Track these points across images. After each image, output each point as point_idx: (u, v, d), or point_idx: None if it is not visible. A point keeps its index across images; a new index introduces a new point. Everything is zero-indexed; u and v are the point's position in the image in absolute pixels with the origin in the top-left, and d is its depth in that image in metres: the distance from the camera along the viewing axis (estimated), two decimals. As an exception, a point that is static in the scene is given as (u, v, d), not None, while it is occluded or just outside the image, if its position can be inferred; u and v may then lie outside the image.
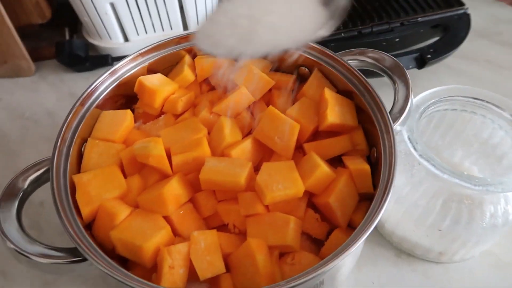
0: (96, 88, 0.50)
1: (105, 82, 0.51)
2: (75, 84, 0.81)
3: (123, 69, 0.53)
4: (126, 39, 0.82)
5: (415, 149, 0.47)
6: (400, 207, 0.51)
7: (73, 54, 0.79)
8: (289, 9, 0.32)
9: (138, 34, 0.82)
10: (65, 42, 0.80)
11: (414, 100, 0.51)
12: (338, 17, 0.33)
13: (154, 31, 0.82)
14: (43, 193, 0.44)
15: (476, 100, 0.52)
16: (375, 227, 0.55)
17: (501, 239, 0.56)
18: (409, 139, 0.47)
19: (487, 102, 0.51)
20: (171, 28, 0.82)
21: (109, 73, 0.50)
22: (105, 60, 0.81)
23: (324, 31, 0.32)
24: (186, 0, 0.78)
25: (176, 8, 0.79)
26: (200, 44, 0.33)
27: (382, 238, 0.58)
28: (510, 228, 0.49)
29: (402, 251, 0.56)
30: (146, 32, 0.82)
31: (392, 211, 0.52)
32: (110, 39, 0.81)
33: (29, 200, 0.45)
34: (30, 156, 0.69)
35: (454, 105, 0.54)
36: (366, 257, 0.56)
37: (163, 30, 0.82)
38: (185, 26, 0.84)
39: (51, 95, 0.79)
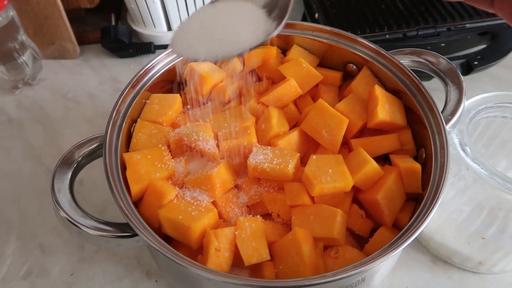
0: (147, 71, 0.51)
1: (156, 65, 0.51)
2: (117, 69, 0.83)
3: (170, 56, 0.53)
4: (169, 28, 0.83)
5: (465, 152, 0.46)
6: (443, 211, 0.50)
7: (117, 40, 0.81)
8: (240, 19, 0.36)
9: (181, 24, 0.83)
10: (110, 28, 0.81)
11: (465, 103, 0.50)
12: (284, 15, 0.36)
13: (197, 22, 0.83)
14: (84, 172, 0.45)
15: None
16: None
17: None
18: (459, 142, 0.46)
19: None
20: (214, 20, 0.83)
21: (165, 54, 0.51)
22: (147, 47, 0.82)
23: (275, 32, 0.35)
24: (232, -8, 0.78)
25: None
26: (174, 49, 0.36)
27: (418, 242, 0.57)
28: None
29: (439, 257, 0.55)
30: (189, 23, 0.83)
31: (434, 216, 0.51)
32: (154, 27, 0.83)
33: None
34: (71, 136, 0.71)
35: (504, 113, 0.52)
36: (401, 260, 0.56)
37: (206, 21, 0.83)
38: (228, 19, 0.84)
39: (93, 78, 0.81)
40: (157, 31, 0.83)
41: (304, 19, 0.87)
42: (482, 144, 0.60)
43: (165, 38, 0.83)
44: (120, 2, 0.82)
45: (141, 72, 0.51)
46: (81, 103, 0.77)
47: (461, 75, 0.48)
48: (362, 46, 0.53)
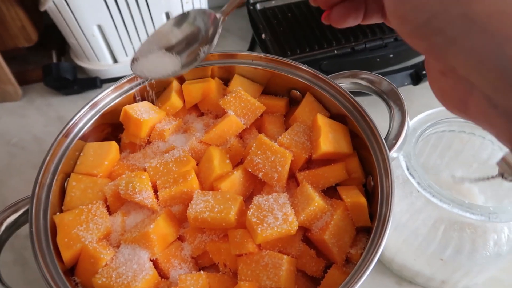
0: (80, 119, 0.48)
1: (89, 112, 0.49)
2: (63, 108, 0.79)
3: (108, 98, 0.51)
4: (115, 60, 0.81)
5: (412, 176, 0.45)
6: (400, 235, 0.49)
7: (60, 77, 0.77)
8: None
9: (127, 55, 0.80)
10: (52, 65, 0.77)
11: (410, 123, 0.50)
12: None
13: (144, 51, 0.80)
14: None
15: None
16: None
17: (507, 264, 0.54)
18: (406, 166, 0.45)
19: None
20: (161, 48, 0.81)
21: (90, 106, 0.48)
22: (93, 82, 0.79)
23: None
24: (175, 19, 0.76)
25: (165, 28, 0.77)
26: (132, 67, 0.45)
27: (381, 265, 0.55)
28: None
29: (403, 278, 0.54)
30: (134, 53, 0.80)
31: (392, 239, 0.50)
32: (99, 61, 0.79)
33: (15, 233, 0.43)
34: (17, 185, 0.67)
35: (451, 127, 0.52)
36: (365, 284, 0.54)
37: (152, 50, 0.80)
38: (175, 46, 0.82)
39: (38, 120, 0.77)
40: (102, 64, 0.80)
41: (253, 40, 0.86)
42: (437, 155, 0.59)
43: (111, 71, 0.80)
44: (62, 37, 0.79)
45: (73, 121, 0.48)
46: (26, 148, 0.73)
47: (402, 96, 0.47)
48: (302, 72, 0.51)
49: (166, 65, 0.43)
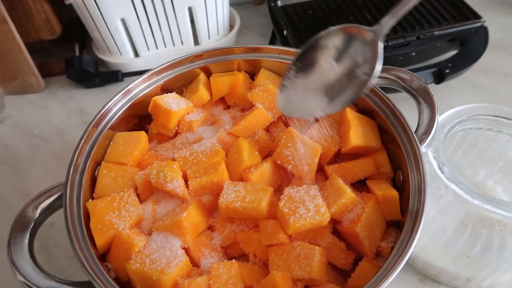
0: (109, 109, 0.49)
1: (118, 102, 0.49)
2: (85, 100, 0.80)
3: (136, 89, 0.51)
4: (136, 54, 0.81)
5: (442, 171, 0.44)
6: (426, 231, 0.48)
7: (82, 70, 0.78)
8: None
9: (148, 49, 0.80)
10: (74, 58, 0.78)
11: (439, 119, 0.49)
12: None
13: (165, 46, 0.81)
14: (53, 214, 0.42)
15: (503, 119, 0.50)
16: None
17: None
18: (435, 161, 0.45)
19: None
20: (182, 43, 0.81)
21: (123, 94, 0.49)
22: (115, 76, 0.80)
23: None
24: (197, 14, 0.77)
25: (187, 22, 0.78)
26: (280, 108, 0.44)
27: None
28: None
29: (427, 276, 0.54)
30: (156, 47, 0.80)
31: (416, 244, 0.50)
32: (121, 55, 0.80)
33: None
34: (39, 176, 0.68)
35: (479, 124, 0.52)
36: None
37: (174, 45, 0.81)
38: (196, 41, 0.82)
39: (60, 112, 0.78)
40: (124, 58, 0.81)
41: (273, 36, 0.86)
42: (461, 153, 0.59)
43: (132, 65, 0.81)
44: (84, 31, 0.80)
45: (104, 109, 0.49)
46: (48, 139, 0.73)
47: (432, 93, 0.47)
48: (330, 67, 0.51)
49: (317, 105, 0.41)
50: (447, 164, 0.45)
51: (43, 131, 0.74)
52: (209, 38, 0.82)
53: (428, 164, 0.47)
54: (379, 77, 0.50)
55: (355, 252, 0.42)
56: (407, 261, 0.35)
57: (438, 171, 0.45)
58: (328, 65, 0.44)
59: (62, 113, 0.78)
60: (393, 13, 0.41)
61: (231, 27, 0.88)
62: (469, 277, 0.50)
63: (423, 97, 0.48)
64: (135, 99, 0.51)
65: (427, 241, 0.49)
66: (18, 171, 0.68)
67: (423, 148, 0.45)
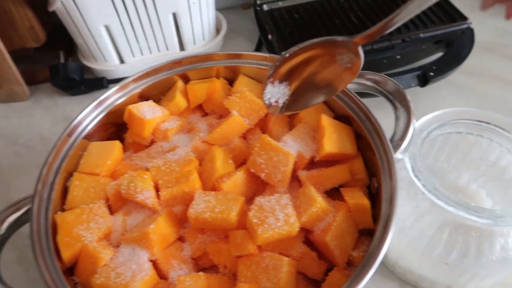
0: (83, 119, 0.48)
1: (93, 112, 0.49)
2: (70, 108, 0.79)
3: (113, 97, 0.51)
4: (121, 61, 0.81)
5: (418, 178, 0.44)
6: (404, 237, 0.48)
7: (67, 77, 0.78)
8: None
9: (133, 56, 0.80)
10: (59, 65, 0.78)
11: (416, 124, 0.49)
12: None
13: (150, 52, 0.80)
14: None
15: (482, 123, 0.50)
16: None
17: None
18: (412, 168, 0.45)
19: (494, 125, 0.49)
20: (167, 49, 0.81)
21: (95, 105, 0.48)
22: (100, 82, 0.80)
23: None
24: (182, 20, 0.76)
25: (172, 28, 0.77)
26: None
27: (384, 268, 0.54)
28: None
29: (407, 282, 0.53)
30: (141, 54, 0.80)
31: (396, 242, 0.49)
32: (106, 61, 0.80)
33: (18, 232, 0.43)
34: (24, 185, 0.68)
35: (459, 128, 0.51)
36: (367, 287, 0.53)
37: (159, 51, 0.81)
38: (182, 47, 0.82)
39: (45, 120, 0.77)
40: (109, 65, 0.80)
41: (260, 41, 0.86)
42: (443, 158, 0.58)
43: (118, 72, 0.81)
44: (70, 38, 0.79)
45: (77, 120, 0.48)
46: (33, 148, 0.73)
47: (408, 98, 0.47)
48: (307, 73, 0.51)
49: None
50: (423, 170, 0.44)
51: (28, 140, 0.74)
52: (194, 44, 0.82)
53: (406, 170, 0.46)
54: (354, 82, 0.49)
55: (327, 261, 0.41)
56: (383, 267, 0.35)
57: (414, 178, 0.44)
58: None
59: (48, 121, 0.77)
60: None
61: (218, 31, 0.88)
62: (449, 284, 0.49)
63: (400, 102, 0.47)
64: (111, 107, 0.51)
65: (406, 248, 0.48)
66: (1, 180, 0.68)
67: (399, 155, 0.44)
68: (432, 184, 0.43)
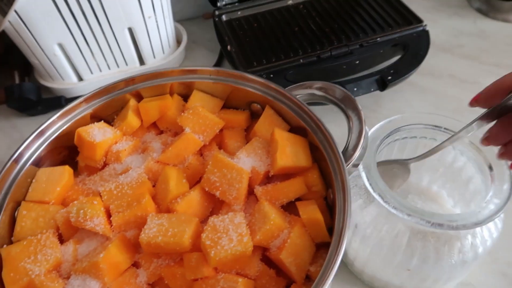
0: (30, 144, 0.47)
1: (39, 138, 0.47)
2: (29, 129, 0.75)
3: (61, 121, 0.50)
4: (80, 78, 0.79)
5: (373, 188, 0.44)
6: (366, 246, 0.48)
7: (23, 98, 0.75)
8: None
9: (92, 73, 0.78)
10: (14, 86, 0.76)
11: (369, 132, 0.49)
12: None
13: (109, 68, 0.79)
14: None
15: (434, 128, 0.50)
16: (344, 267, 0.52)
17: (476, 268, 0.53)
18: (366, 177, 0.45)
19: (444, 129, 0.49)
20: (126, 64, 0.80)
21: (36, 135, 0.47)
22: (58, 102, 0.77)
23: None
24: (139, 35, 0.75)
25: (129, 44, 0.76)
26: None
27: (353, 276, 0.55)
28: (483, 259, 0.47)
29: (375, 289, 0.53)
30: (100, 70, 0.79)
31: (359, 250, 0.50)
32: (63, 80, 0.78)
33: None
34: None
35: (412, 133, 0.51)
36: (337, 296, 0.53)
37: (118, 66, 0.79)
38: (141, 61, 0.81)
39: (2, 143, 0.75)
40: (67, 83, 0.78)
41: (222, 51, 0.85)
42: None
43: (76, 90, 0.79)
44: (24, 57, 0.77)
45: (24, 145, 0.47)
46: (-12, 173, 0.70)
47: (359, 105, 0.47)
48: (259, 85, 0.51)
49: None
50: (378, 180, 0.44)
51: (-17, 165, 0.71)
52: (154, 57, 0.81)
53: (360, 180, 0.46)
54: (305, 93, 0.49)
55: (286, 278, 0.41)
56: (351, 275, 0.34)
57: (369, 187, 0.44)
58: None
59: (4, 143, 0.75)
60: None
61: (179, 43, 0.87)
62: (414, 288, 0.49)
63: (352, 110, 0.47)
64: (60, 131, 0.49)
65: (368, 256, 0.49)
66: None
67: (353, 164, 0.44)
68: (386, 193, 0.43)
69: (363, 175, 0.45)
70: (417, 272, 0.46)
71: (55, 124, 0.49)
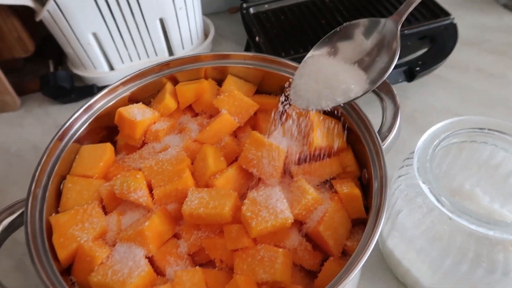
0: (73, 124, 0.49)
1: (82, 116, 0.49)
2: (61, 116, 0.79)
3: (102, 101, 0.51)
4: (111, 67, 0.81)
5: (441, 203, 0.39)
6: (409, 249, 0.46)
7: (58, 86, 0.78)
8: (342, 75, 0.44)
9: (123, 62, 0.81)
10: (49, 75, 0.78)
11: (426, 133, 0.46)
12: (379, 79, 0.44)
13: (139, 58, 0.81)
14: None
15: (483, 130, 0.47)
16: (383, 263, 0.51)
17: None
18: (430, 192, 0.40)
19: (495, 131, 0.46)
20: (156, 54, 0.82)
21: (83, 110, 0.49)
22: (90, 90, 0.80)
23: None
24: (169, 25, 0.77)
25: (160, 34, 0.78)
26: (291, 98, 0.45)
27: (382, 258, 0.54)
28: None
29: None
30: (131, 60, 0.81)
31: (398, 247, 0.48)
32: (95, 69, 0.80)
33: (13, 240, 0.43)
34: (15, 194, 0.67)
35: (462, 138, 0.48)
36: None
37: (148, 56, 0.81)
38: (170, 52, 0.83)
39: (36, 129, 0.77)
40: (99, 72, 0.81)
41: (248, 44, 0.87)
42: (446, 164, 0.56)
43: (107, 79, 0.81)
44: (59, 47, 0.80)
45: (67, 124, 0.49)
46: (24, 157, 0.73)
47: (393, 88, 0.48)
48: (293, 69, 0.52)
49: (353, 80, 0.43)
50: (443, 193, 0.40)
51: (19, 149, 0.74)
52: (183, 48, 0.83)
53: (410, 179, 0.44)
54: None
55: (323, 252, 0.42)
56: (366, 261, 0.35)
57: (437, 203, 0.39)
58: (360, 40, 0.47)
59: (39, 130, 0.77)
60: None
61: (206, 36, 0.89)
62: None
63: (385, 93, 0.48)
64: (100, 111, 0.51)
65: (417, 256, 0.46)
66: (-7, 190, 0.68)
67: (386, 145, 0.45)
68: (459, 207, 0.39)
69: (428, 192, 0.39)
70: (476, 282, 0.44)
71: (95, 105, 0.51)
